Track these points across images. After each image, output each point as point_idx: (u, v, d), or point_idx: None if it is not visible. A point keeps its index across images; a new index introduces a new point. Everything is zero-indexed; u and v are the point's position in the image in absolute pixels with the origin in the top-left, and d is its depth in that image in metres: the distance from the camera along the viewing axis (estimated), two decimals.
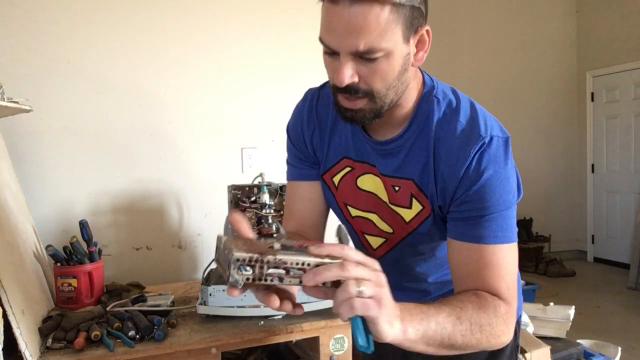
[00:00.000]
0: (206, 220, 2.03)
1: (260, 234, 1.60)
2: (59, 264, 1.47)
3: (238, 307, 1.37)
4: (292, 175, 1.01)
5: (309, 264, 0.60)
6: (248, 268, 0.58)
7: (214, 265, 1.47)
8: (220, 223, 1.92)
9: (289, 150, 1.02)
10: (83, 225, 1.53)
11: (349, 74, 0.72)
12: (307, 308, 0.76)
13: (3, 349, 1.04)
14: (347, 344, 1.42)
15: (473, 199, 0.78)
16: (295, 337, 1.37)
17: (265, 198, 1.62)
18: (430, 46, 0.77)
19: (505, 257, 0.78)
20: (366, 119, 0.79)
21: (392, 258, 0.95)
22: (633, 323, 3.51)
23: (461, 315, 0.71)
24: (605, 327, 3.38)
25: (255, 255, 0.58)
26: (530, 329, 2.12)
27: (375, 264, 0.63)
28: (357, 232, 0.99)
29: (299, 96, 1.01)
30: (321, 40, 0.73)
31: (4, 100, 1.32)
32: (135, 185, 1.92)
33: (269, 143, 2.11)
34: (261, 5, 2.11)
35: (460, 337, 0.70)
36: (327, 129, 0.94)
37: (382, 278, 0.62)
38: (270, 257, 0.59)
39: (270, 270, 0.59)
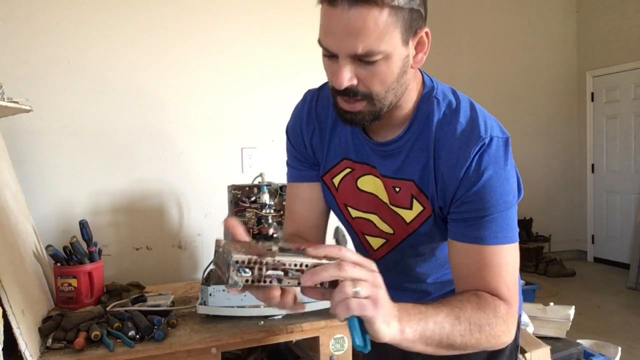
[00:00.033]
0: (206, 220, 2.03)
1: (260, 233, 1.60)
2: (59, 264, 1.47)
3: (238, 307, 1.37)
4: (292, 177, 1.01)
5: (306, 265, 0.61)
6: (247, 270, 0.59)
7: (213, 266, 1.47)
8: (220, 223, 1.91)
9: (288, 152, 1.02)
10: (83, 225, 1.53)
11: (347, 77, 0.72)
12: (307, 308, 0.76)
13: (3, 349, 1.04)
14: (347, 344, 1.42)
15: (473, 200, 0.78)
16: (295, 337, 1.37)
17: (265, 198, 1.62)
18: (430, 46, 0.76)
19: (505, 258, 0.78)
20: (365, 121, 0.79)
21: (392, 259, 0.95)
22: (633, 323, 3.51)
23: (460, 315, 0.71)
24: (605, 327, 3.38)
25: (254, 257, 0.59)
26: (530, 329, 2.12)
27: (372, 265, 0.64)
28: (357, 233, 0.99)
29: (299, 96, 1.01)
30: (320, 42, 0.73)
31: (4, 100, 1.32)
32: (135, 185, 1.92)
33: (269, 143, 2.11)
34: (261, 5, 2.11)
35: (459, 337, 0.70)
36: (327, 130, 0.93)
37: (379, 279, 0.63)
38: (268, 259, 0.60)
39: (269, 272, 0.60)
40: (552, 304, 2.36)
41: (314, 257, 0.62)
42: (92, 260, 1.50)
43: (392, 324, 0.62)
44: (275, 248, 0.62)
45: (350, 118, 0.79)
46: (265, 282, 0.60)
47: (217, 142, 2.05)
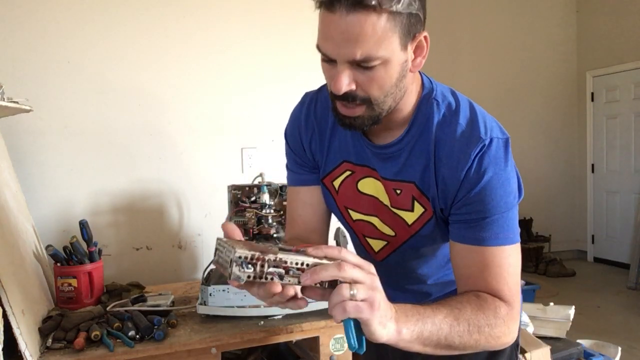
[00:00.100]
0: (206, 220, 2.03)
1: (260, 233, 1.60)
2: (59, 264, 1.47)
3: (238, 307, 1.37)
4: (292, 180, 1.01)
5: (307, 264, 0.62)
6: (249, 266, 0.60)
7: (213, 266, 1.47)
8: (220, 223, 1.91)
9: (287, 155, 1.01)
10: (83, 225, 1.53)
11: (346, 82, 0.72)
12: (307, 308, 0.76)
13: (3, 349, 1.04)
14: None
15: (474, 201, 0.78)
16: (295, 337, 1.37)
17: (265, 198, 1.62)
18: (430, 46, 0.76)
19: (507, 259, 0.78)
20: (365, 126, 0.78)
21: (393, 261, 0.96)
22: (633, 323, 3.51)
23: (459, 316, 0.71)
24: (605, 327, 3.38)
25: (257, 254, 0.60)
26: (530, 329, 2.12)
27: (371, 268, 0.64)
28: (358, 236, 0.99)
29: (299, 96, 1.01)
30: (318, 48, 0.73)
31: (4, 100, 1.32)
32: (135, 185, 1.92)
33: (269, 143, 2.11)
34: (261, 5, 2.11)
35: (457, 338, 0.70)
36: (327, 132, 0.93)
37: (377, 281, 0.63)
38: (271, 256, 0.61)
39: (271, 269, 0.61)
40: (552, 304, 2.36)
41: (314, 257, 0.63)
42: (92, 260, 1.50)
43: (389, 325, 0.63)
44: (276, 248, 0.64)
45: (349, 123, 0.78)
46: (266, 279, 0.61)
47: (217, 142, 2.05)
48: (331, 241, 1.01)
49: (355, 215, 0.95)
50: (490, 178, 0.77)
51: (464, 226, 0.80)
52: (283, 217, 1.63)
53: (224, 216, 1.74)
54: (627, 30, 4.97)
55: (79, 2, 1.83)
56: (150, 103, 1.94)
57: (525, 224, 5.09)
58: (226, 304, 1.37)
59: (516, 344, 0.99)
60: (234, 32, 2.06)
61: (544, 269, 4.91)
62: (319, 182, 0.97)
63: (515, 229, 0.80)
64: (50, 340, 1.21)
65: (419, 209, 0.86)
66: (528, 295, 3.38)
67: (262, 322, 1.37)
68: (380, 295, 0.62)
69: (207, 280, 1.44)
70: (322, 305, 1.38)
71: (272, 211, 1.62)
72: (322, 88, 0.96)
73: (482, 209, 0.78)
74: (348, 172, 0.92)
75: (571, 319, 2.27)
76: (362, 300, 0.60)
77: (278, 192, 1.66)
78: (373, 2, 0.65)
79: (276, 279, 0.61)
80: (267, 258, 0.60)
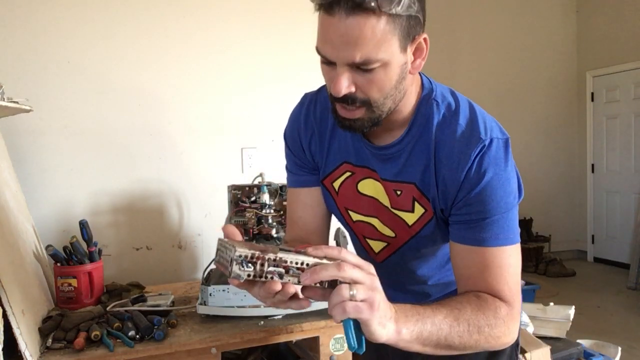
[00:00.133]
0: (206, 220, 2.03)
1: (260, 233, 1.60)
2: (59, 264, 1.47)
3: (238, 307, 1.37)
4: (291, 182, 1.00)
5: (307, 264, 0.62)
6: (250, 265, 0.60)
7: (213, 266, 1.47)
8: (220, 223, 1.92)
9: (287, 157, 1.01)
10: (83, 225, 1.53)
11: (345, 85, 0.71)
12: (307, 308, 0.77)
13: (3, 349, 1.04)
14: None
15: (474, 202, 0.78)
16: (295, 337, 1.37)
17: (265, 198, 1.62)
18: (430, 47, 0.76)
19: (507, 259, 0.78)
20: (364, 128, 0.78)
21: (393, 261, 0.96)
22: (633, 323, 3.51)
23: (459, 316, 0.71)
24: (605, 327, 3.38)
25: (257, 253, 0.60)
26: (530, 329, 2.12)
27: (371, 268, 0.65)
28: (358, 237, 0.98)
29: (299, 96, 1.00)
30: (318, 50, 0.73)
31: (4, 100, 1.32)
32: (135, 185, 1.92)
33: (269, 143, 2.11)
34: (261, 5, 2.11)
35: (457, 338, 0.70)
36: (327, 133, 0.93)
37: (376, 282, 0.64)
38: (271, 255, 0.61)
39: (271, 268, 0.61)
40: (552, 304, 2.36)
41: (314, 256, 0.63)
42: (92, 260, 1.50)
43: (388, 325, 0.63)
44: (276, 248, 0.64)
45: (349, 125, 0.78)
46: (266, 278, 0.61)
47: (217, 142, 2.05)
48: (331, 241, 1.01)
49: (355, 217, 0.95)
50: (490, 178, 0.77)
51: (464, 227, 0.80)
52: (283, 217, 1.63)
53: (224, 216, 1.74)
54: (627, 30, 4.97)
55: (79, 2, 1.83)
56: (150, 103, 1.94)
57: (525, 224, 5.09)
58: (226, 304, 1.37)
59: (516, 344, 0.99)
60: (234, 32, 2.07)
61: (544, 269, 4.91)
62: (319, 184, 0.97)
63: (516, 229, 0.80)
64: (50, 340, 1.21)
65: (419, 210, 0.86)
66: (528, 295, 3.38)
67: (262, 322, 1.37)
68: (379, 295, 0.63)
69: (207, 280, 1.44)
70: (322, 305, 1.38)
71: (272, 211, 1.62)
72: (322, 89, 0.96)
73: (482, 209, 0.78)
74: (348, 173, 0.92)
75: (571, 319, 2.27)
76: (361, 301, 0.61)
77: (278, 192, 1.66)
78: (372, 5, 0.65)
79: (276, 278, 0.61)
80: (267, 257, 0.61)
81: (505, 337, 0.76)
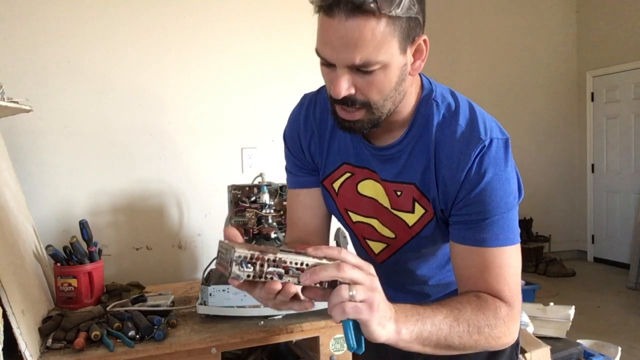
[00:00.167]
0: (206, 220, 2.03)
1: (260, 233, 1.60)
2: (59, 264, 1.47)
3: (238, 307, 1.37)
4: (291, 183, 1.00)
5: (307, 264, 0.63)
6: (249, 266, 0.60)
7: (213, 266, 1.47)
8: (220, 223, 1.92)
9: (286, 158, 1.01)
10: (83, 225, 1.53)
11: (345, 87, 0.71)
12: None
13: (3, 349, 1.04)
14: None
15: (474, 202, 0.78)
16: (295, 337, 1.37)
17: (265, 198, 1.62)
18: (430, 47, 0.76)
19: (507, 259, 0.78)
20: (364, 129, 0.78)
21: (393, 262, 0.95)
22: (633, 323, 3.51)
23: (459, 316, 0.71)
24: (605, 327, 3.39)
25: (257, 253, 0.61)
26: (530, 329, 2.12)
27: (371, 269, 0.65)
28: (358, 238, 0.98)
29: (299, 96, 1.00)
30: (317, 52, 0.73)
31: (4, 100, 1.32)
32: (135, 185, 1.92)
33: (269, 143, 2.11)
34: (261, 5, 2.11)
35: (457, 338, 0.70)
36: (326, 134, 0.93)
37: (376, 282, 0.64)
38: (270, 255, 0.61)
39: (270, 269, 0.61)
40: (552, 304, 2.36)
41: (314, 257, 0.63)
42: (92, 260, 1.50)
43: (388, 325, 0.63)
44: (276, 249, 0.64)
45: (348, 126, 0.78)
46: (266, 278, 0.61)
47: (217, 142, 2.05)
48: (331, 242, 1.01)
49: (355, 218, 0.95)
50: (490, 179, 0.77)
51: (464, 227, 0.80)
52: (283, 217, 1.63)
53: (224, 216, 1.74)
54: (627, 30, 4.97)
55: (79, 2, 1.83)
56: (150, 103, 1.94)
57: (525, 224, 5.09)
58: (226, 304, 1.37)
59: (516, 344, 0.99)
60: (234, 32, 2.07)
61: (544, 269, 4.91)
62: (319, 184, 0.97)
63: (516, 229, 0.80)
64: (50, 340, 1.21)
65: (419, 211, 0.86)
66: (528, 295, 3.38)
67: (262, 322, 1.37)
68: (379, 296, 0.63)
69: (207, 280, 1.44)
70: (322, 305, 1.36)
71: (272, 211, 1.62)
72: (321, 89, 0.95)
73: (483, 209, 0.78)
74: (348, 174, 0.92)
75: (571, 319, 2.27)
76: (361, 301, 0.61)
77: (278, 192, 1.66)
78: (372, 7, 0.65)
79: (275, 279, 0.61)
80: (266, 258, 0.61)
81: (505, 337, 0.76)
